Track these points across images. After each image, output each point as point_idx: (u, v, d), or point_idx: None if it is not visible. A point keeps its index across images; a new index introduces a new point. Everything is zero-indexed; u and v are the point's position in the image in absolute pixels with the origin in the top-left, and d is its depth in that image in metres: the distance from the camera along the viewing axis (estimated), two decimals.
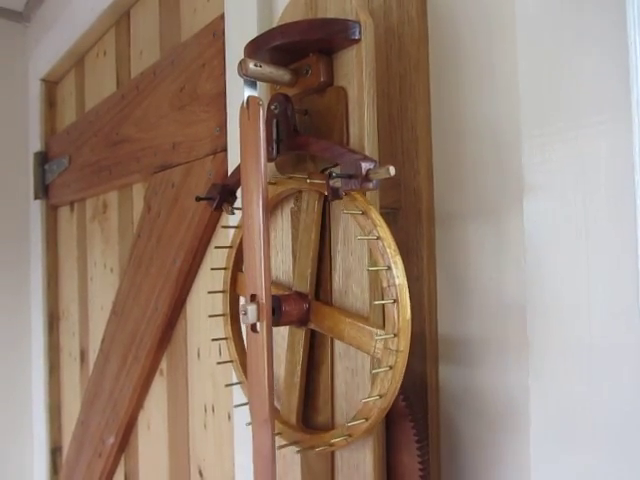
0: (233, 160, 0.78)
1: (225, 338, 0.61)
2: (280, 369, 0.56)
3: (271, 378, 0.47)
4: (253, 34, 0.73)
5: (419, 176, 0.54)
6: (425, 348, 0.53)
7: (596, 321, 0.42)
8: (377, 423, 0.47)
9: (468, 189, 0.52)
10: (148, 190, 1.06)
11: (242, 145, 0.50)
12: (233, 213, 0.58)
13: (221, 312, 0.62)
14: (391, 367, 0.44)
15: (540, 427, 0.45)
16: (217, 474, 0.90)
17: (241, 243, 0.58)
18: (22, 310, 1.62)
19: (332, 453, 0.52)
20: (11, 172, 1.61)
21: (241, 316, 0.47)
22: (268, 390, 0.46)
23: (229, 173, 0.79)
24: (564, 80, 0.44)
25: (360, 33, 0.49)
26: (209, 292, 0.64)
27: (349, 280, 0.50)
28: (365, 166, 0.43)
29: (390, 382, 0.44)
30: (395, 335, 0.43)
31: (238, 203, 0.59)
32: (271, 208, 0.58)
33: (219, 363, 0.62)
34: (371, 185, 0.43)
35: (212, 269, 0.64)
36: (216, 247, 0.60)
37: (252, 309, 0.47)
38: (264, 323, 0.47)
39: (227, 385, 0.61)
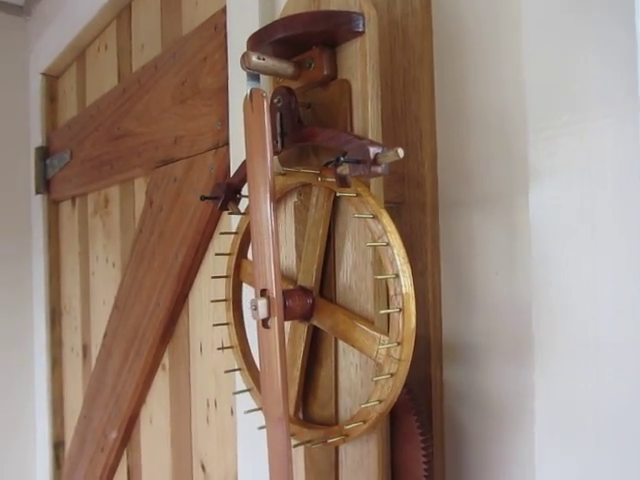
0: (235, 154, 0.77)
1: (227, 323, 0.61)
2: None
3: (284, 375, 0.47)
4: (255, 27, 0.72)
5: (423, 169, 0.54)
6: (429, 342, 0.53)
7: (602, 317, 0.42)
8: (375, 425, 0.47)
9: (473, 182, 0.51)
10: (150, 185, 1.05)
11: (247, 138, 0.49)
12: (239, 212, 0.58)
13: (224, 309, 0.62)
14: (392, 374, 0.44)
15: (545, 423, 0.45)
16: (220, 468, 0.90)
17: (247, 229, 0.58)
18: (24, 305, 1.62)
19: (336, 447, 0.52)
20: (12, 167, 1.60)
21: (251, 311, 0.47)
22: (282, 387, 0.46)
23: (231, 167, 0.79)
24: (571, 72, 0.44)
25: (364, 25, 0.48)
26: (213, 277, 0.63)
27: (354, 277, 0.50)
28: (373, 150, 0.42)
29: (390, 389, 0.44)
30: (399, 344, 0.43)
31: (243, 201, 0.59)
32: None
33: (219, 349, 0.62)
34: (380, 169, 0.43)
35: (216, 254, 0.63)
36: (221, 233, 0.59)
37: (263, 304, 0.46)
38: (275, 319, 0.47)
39: (227, 371, 0.61)
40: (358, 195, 0.45)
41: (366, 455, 0.49)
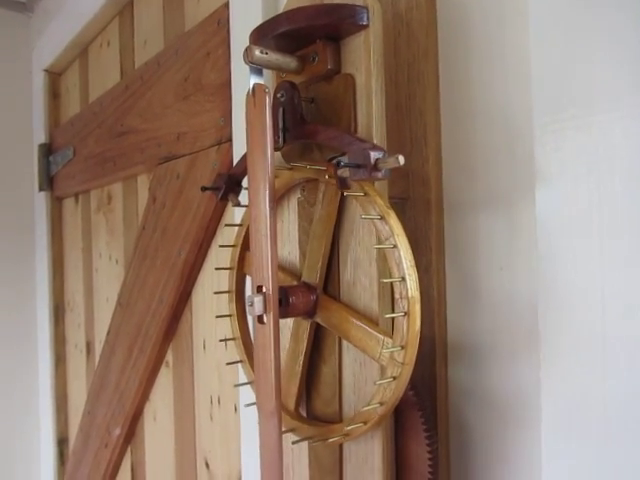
0: (238, 150, 0.77)
1: (229, 315, 0.61)
2: (282, 355, 0.55)
3: (278, 370, 0.46)
4: (258, 22, 0.72)
5: (428, 165, 0.53)
6: (434, 339, 0.53)
7: (610, 313, 0.41)
8: (377, 426, 0.46)
9: (478, 178, 0.51)
10: (153, 181, 1.05)
11: (248, 133, 0.49)
12: (239, 204, 0.58)
13: (227, 293, 0.62)
14: (395, 378, 0.44)
15: (551, 421, 0.44)
16: (223, 465, 0.90)
17: None
18: (28, 302, 1.62)
19: (340, 444, 0.51)
20: (15, 164, 1.60)
21: (247, 307, 0.47)
22: (275, 382, 0.46)
23: (234, 164, 0.79)
24: (578, 66, 0.43)
25: (368, 19, 0.48)
26: (216, 268, 0.63)
27: (358, 274, 0.49)
28: (374, 155, 0.42)
29: (392, 392, 0.44)
30: (402, 347, 0.43)
31: (244, 194, 0.58)
32: (277, 198, 0.57)
33: (221, 341, 0.62)
34: (380, 175, 0.42)
35: (220, 246, 0.63)
36: (226, 225, 0.59)
37: (259, 300, 0.46)
38: (271, 315, 0.46)
39: (228, 363, 0.61)
40: (366, 194, 0.45)
41: (370, 452, 0.48)
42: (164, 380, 1.07)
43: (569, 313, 0.43)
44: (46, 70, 1.54)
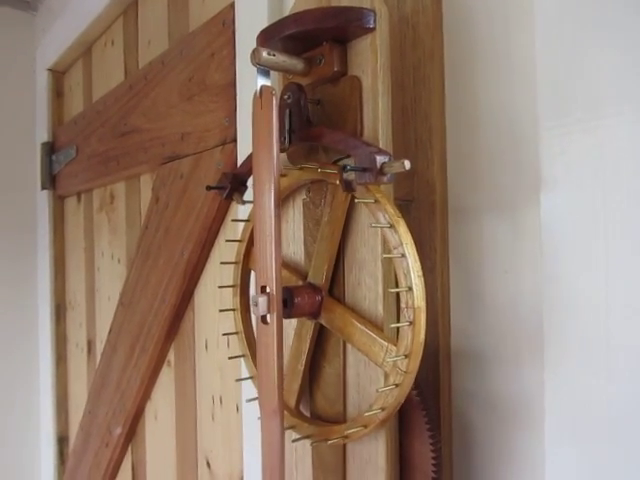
0: (243, 151, 0.77)
1: (232, 309, 0.61)
2: (285, 353, 0.56)
3: (281, 370, 0.47)
4: (264, 23, 0.72)
5: (433, 167, 0.54)
6: (438, 340, 0.53)
7: (614, 316, 0.41)
8: (377, 429, 0.47)
9: (483, 180, 0.51)
10: (156, 181, 1.05)
11: (254, 135, 0.49)
12: (243, 203, 0.58)
13: (231, 292, 0.62)
14: (397, 385, 0.44)
15: (555, 422, 0.45)
16: (225, 465, 0.91)
17: None
18: (29, 300, 1.63)
19: (344, 445, 0.52)
20: (18, 162, 1.61)
21: (252, 307, 0.47)
22: (277, 382, 0.46)
23: (239, 164, 0.79)
24: (583, 69, 0.43)
25: (375, 22, 0.48)
26: (222, 263, 0.63)
27: (363, 276, 0.49)
28: (380, 159, 0.42)
29: (394, 398, 0.45)
30: (406, 356, 0.43)
31: (249, 192, 0.58)
32: (283, 198, 0.57)
33: (225, 334, 0.62)
34: (385, 179, 0.43)
35: (227, 241, 0.63)
36: (233, 220, 0.59)
37: (263, 300, 0.46)
38: (274, 315, 0.47)
39: (231, 357, 0.61)
40: (376, 202, 0.45)
41: (374, 453, 0.49)
42: (166, 379, 1.07)
43: (573, 316, 0.44)
44: (50, 69, 1.54)
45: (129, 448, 1.19)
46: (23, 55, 1.61)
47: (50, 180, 1.55)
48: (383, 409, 0.45)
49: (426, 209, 0.54)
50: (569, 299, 0.44)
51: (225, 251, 0.90)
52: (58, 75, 1.56)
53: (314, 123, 0.52)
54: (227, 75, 0.83)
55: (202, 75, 0.89)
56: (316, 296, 0.51)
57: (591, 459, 0.43)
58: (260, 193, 0.48)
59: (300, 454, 0.56)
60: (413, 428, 0.49)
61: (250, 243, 0.59)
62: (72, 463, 1.40)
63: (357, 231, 0.50)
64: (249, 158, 0.57)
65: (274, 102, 0.47)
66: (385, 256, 0.45)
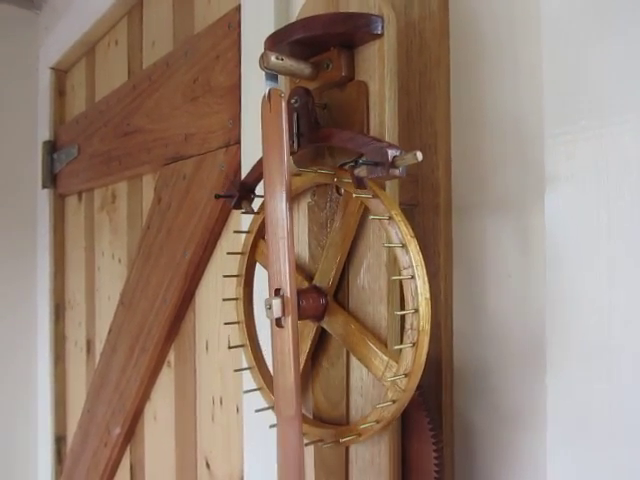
0: (247, 153, 0.78)
1: (236, 298, 0.61)
2: None
3: (297, 373, 0.47)
4: (270, 27, 0.73)
5: (437, 171, 0.54)
6: (440, 343, 0.53)
7: (617, 321, 0.42)
8: (370, 438, 0.48)
9: (487, 185, 0.51)
10: (159, 181, 1.06)
11: (264, 138, 0.49)
12: (252, 212, 0.58)
13: (235, 285, 0.62)
14: (394, 401, 0.45)
15: (557, 426, 0.45)
16: (224, 465, 0.91)
17: None
18: (28, 299, 1.63)
19: (346, 446, 0.52)
20: (19, 161, 1.61)
21: (265, 310, 0.47)
22: (295, 386, 0.46)
23: (242, 166, 0.79)
24: (590, 75, 0.44)
25: (383, 28, 0.49)
26: (228, 253, 0.63)
27: (368, 279, 0.50)
28: (391, 153, 0.43)
29: (391, 414, 0.45)
30: (406, 375, 0.44)
31: (257, 201, 0.59)
32: None
33: (226, 324, 0.62)
34: (397, 172, 0.43)
35: (235, 232, 0.62)
36: (242, 212, 0.59)
37: (277, 303, 0.47)
38: (289, 318, 0.47)
39: (231, 347, 0.61)
40: (390, 219, 0.45)
41: (377, 454, 0.49)
42: (165, 380, 1.07)
43: (576, 320, 0.44)
44: (52, 68, 1.54)
45: (128, 448, 1.19)
46: (26, 53, 1.62)
47: (51, 179, 1.55)
48: (378, 422, 0.46)
49: (430, 213, 0.55)
50: (572, 303, 0.44)
51: (227, 250, 0.90)
52: (61, 74, 1.56)
53: (323, 126, 0.52)
54: (232, 77, 0.83)
55: (207, 77, 0.90)
56: (320, 299, 0.51)
57: (593, 463, 0.43)
58: (271, 196, 0.48)
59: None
60: (415, 429, 0.49)
61: (259, 235, 0.59)
62: (70, 462, 1.40)
63: (365, 236, 0.50)
64: (257, 165, 0.57)
65: (283, 105, 0.48)
66: (395, 278, 0.45)
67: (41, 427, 1.59)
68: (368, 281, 0.50)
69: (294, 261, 0.48)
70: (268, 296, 0.49)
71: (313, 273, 0.55)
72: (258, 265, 0.61)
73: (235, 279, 0.62)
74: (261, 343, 0.61)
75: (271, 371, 0.59)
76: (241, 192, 0.59)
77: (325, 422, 0.54)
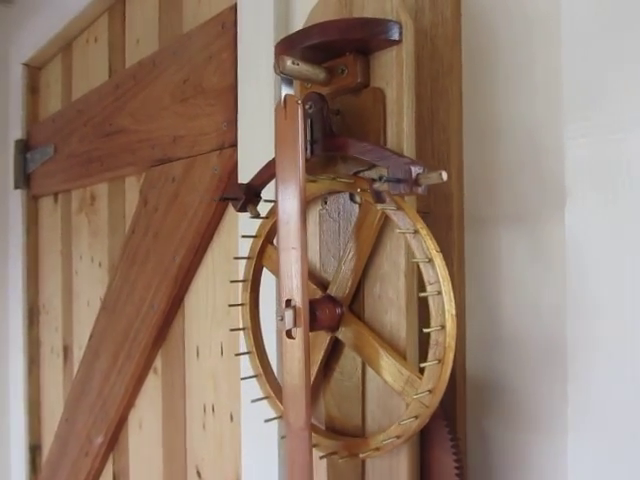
0: (245, 156, 0.76)
1: (242, 304, 0.60)
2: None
3: (309, 386, 0.46)
4: (270, 28, 0.72)
5: (450, 180, 0.54)
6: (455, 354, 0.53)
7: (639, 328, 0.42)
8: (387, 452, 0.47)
9: (502, 194, 0.51)
10: (144, 183, 1.03)
11: (277, 145, 0.48)
12: (258, 215, 0.57)
13: (241, 290, 0.61)
14: (416, 417, 0.44)
15: (578, 432, 0.45)
16: (216, 474, 0.89)
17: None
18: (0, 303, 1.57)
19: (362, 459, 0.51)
20: None
21: (277, 322, 0.46)
22: (306, 398, 0.46)
23: (239, 169, 0.78)
24: (611, 80, 0.44)
25: (401, 34, 0.48)
26: (235, 258, 0.62)
27: (384, 288, 0.49)
28: (415, 170, 0.42)
29: (413, 429, 0.45)
30: (430, 392, 0.43)
31: (262, 205, 0.57)
32: None
33: (232, 330, 0.60)
34: (420, 190, 0.42)
35: (243, 237, 0.60)
36: (251, 217, 0.57)
37: (289, 314, 0.46)
38: (301, 330, 0.46)
39: (237, 354, 0.60)
40: (416, 232, 0.44)
41: (396, 467, 0.48)
42: (151, 387, 1.04)
43: (599, 330, 0.44)
44: (25, 64, 1.49)
45: (111, 457, 1.16)
46: None
47: (24, 179, 1.49)
48: (399, 437, 0.46)
49: (442, 222, 0.54)
50: (595, 314, 0.44)
51: (218, 256, 0.88)
52: (34, 70, 1.51)
53: (337, 134, 0.51)
54: (226, 79, 0.81)
55: (198, 77, 0.88)
56: (337, 310, 0.50)
57: (616, 470, 0.43)
58: (285, 205, 0.47)
59: (315, 469, 0.55)
60: (435, 438, 0.49)
61: (267, 240, 0.58)
62: (47, 472, 1.35)
63: (382, 245, 0.49)
64: (264, 169, 0.56)
65: (299, 112, 0.47)
66: (422, 295, 0.44)
67: (14, 435, 1.53)
68: (385, 291, 0.49)
69: (307, 272, 0.47)
70: (277, 305, 0.47)
71: (325, 281, 0.54)
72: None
73: (233, 284, 0.60)
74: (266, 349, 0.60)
75: (278, 379, 0.58)
76: (247, 195, 0.57)
77: (338, 433, 0.53)
